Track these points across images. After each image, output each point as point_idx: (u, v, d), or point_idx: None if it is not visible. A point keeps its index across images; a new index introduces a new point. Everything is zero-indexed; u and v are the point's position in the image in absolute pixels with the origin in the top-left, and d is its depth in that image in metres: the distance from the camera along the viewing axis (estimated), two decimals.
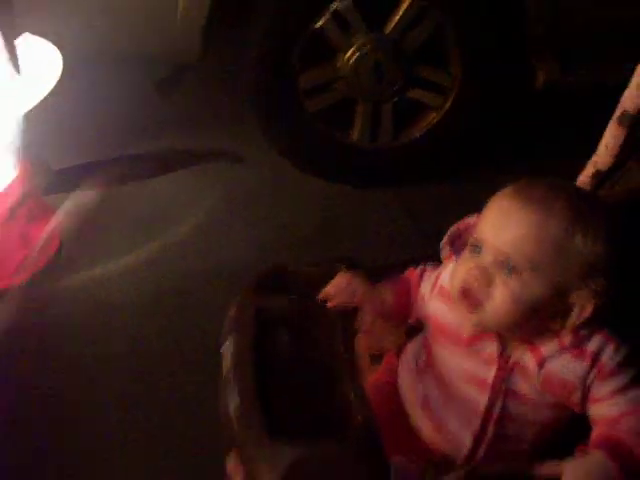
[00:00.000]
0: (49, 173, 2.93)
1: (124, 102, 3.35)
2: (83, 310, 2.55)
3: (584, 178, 1.49)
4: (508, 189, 1.24)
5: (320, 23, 2.75)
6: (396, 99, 2.90)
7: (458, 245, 1.33)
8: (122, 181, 3.02)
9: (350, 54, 2.81)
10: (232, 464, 1.32)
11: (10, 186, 1.84)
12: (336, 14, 2.74)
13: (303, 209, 2.97)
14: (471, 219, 1.33)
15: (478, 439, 1.29)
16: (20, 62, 1.24)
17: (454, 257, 1.33)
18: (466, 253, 1.25)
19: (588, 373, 1.21)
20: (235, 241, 2.80)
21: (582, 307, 1.19)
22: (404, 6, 2.74)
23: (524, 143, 3.12)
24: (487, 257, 1.20)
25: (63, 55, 2.46)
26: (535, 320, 1.20)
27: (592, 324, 1.22)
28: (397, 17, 2.76)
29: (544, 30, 2.82)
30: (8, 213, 1.84)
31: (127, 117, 3.32)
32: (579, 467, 1.12)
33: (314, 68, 2.85)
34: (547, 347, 1.23)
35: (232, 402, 1.19)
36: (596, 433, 1.18)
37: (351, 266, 1.42)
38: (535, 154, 2.98)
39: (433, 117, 2.95)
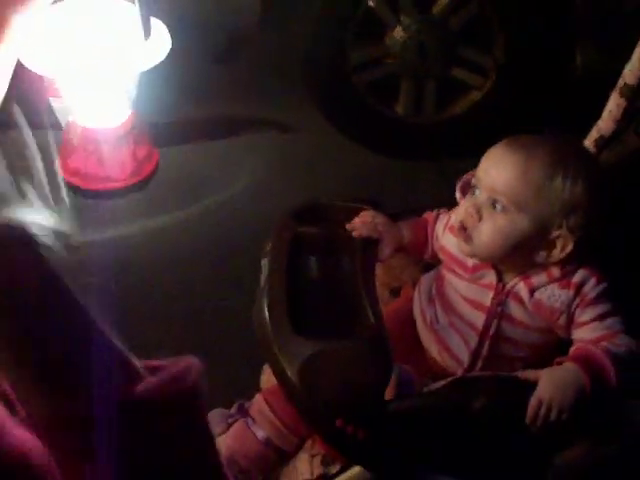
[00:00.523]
0: None
1: (182, 68, 3.55)
2: (140, 255, 2.78)
3: (589, 142, 1.65)
4: (502, 141, 1.42)
5: (371, 2, 2.92)
6: (440, 77, 3.04)
7: (467, 191, 1.52)
8: (176, 142, 3.23)
9: (398, 32, 2.97)
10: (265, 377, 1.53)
11: (126, 120, 2.49)
12: None
13: (349, 177, 3.14)
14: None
15: (475, 355, 1.47)
16: (149, 29, 1.53)
17: (463, 200, 1.51)
18: (468, 195, 1.43)
19: (572, 301, 1.39)
20: (282, 203, 2.98)
21: (564, 242, 1.36)
22: None
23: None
24: (481, 196, 1.39)
25: None
26: (521, 252, 1.39)
27: (577, 260, 1.40)
28: (443, 0, 2.91)
29: (589, 15, 2.94)
30: (124, 137, 2.50)
31: (183, 82, 3.52)
32: (554, 373, 1.31)
33: (365, 44, 3.01)
34: (537, 278, 1.42)
35: (265, 306, 1.39)
36: (573, 349, 1.36)
37: (375, 207, 1.61)
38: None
39: (475, 96, 3.09)
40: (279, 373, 1.32)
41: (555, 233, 1.36)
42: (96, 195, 2.56)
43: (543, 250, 1.38)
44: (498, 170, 1.38)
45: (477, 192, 1.40)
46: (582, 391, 1.29)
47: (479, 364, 1.48)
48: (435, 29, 2.97)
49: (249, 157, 3.22)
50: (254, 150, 3.26)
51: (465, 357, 1.48)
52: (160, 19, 2.02)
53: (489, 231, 1.37)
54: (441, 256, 1.53)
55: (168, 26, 3.12)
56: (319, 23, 2.94)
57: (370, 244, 1.53)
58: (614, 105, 1.61)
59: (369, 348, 1.31)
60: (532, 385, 1.30)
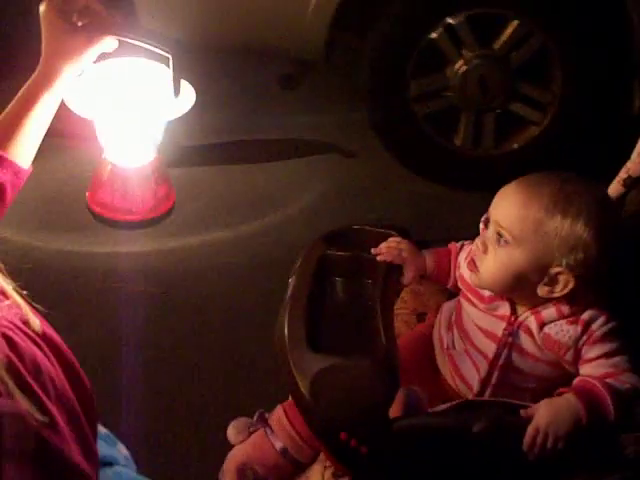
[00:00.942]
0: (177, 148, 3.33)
1: (248, 92, 3.70)
2: (196, 267, 2.91)
3: (617, 182, 1.69)
4: (520, 178, 1.47)
5: (434, 34, 2.99)
6: (499, 111, 3.10)
7: None
8: (242, 161, 3.37)
9: (459, 66, 3.04)
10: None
11: (150, 162, 2.74)
12: (449, 27, 2.97)
13: (403, 205, 3.22)
14: None
15: (484, 383, 1.53)
16: (179, 86, 1.71)
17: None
18: (483, 228, 1.50)
19: (580, 337, 1.44)
20: (336, 226, 3.08)
21: (565, 279, 1.41)
22: (512, 26, 2.95)
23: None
24: (489, 230, 1.45)
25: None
26: (523, 285, 1.44)
27: (586, 298, 1.45)
28: (505, 35, 2.97)
29: None
30: (147, 176, 2.76)
31: (250, 106, 3.67)
32: (552, 403, 1.36)
33: (425, 76, 3.09)
34: (547, 313, 1.47)
35: (285, 323, 1.47)
36: (575, 381, 1.41)
37: (403, 234, 1.68)
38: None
39: (533, 131, 3.14)
40: (292, 385, 1.39)
41: (555, 269, 1.41)
42: (117, 225, 2.86)
43: (545, 285, 1.42)
44: (503, 205, 1.44)
45: (489, 226, 1.45)
46: (578, 422, 1.33)
47: (488, 391, 1.53)
48: (496, 64, 3.02)
49: (309, 179, 3.33)
50: (314, 173, 3.37)
51: (475, 383, 1.53)
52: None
53: (490, 263, 1.44)
54: (460, 285, 1.58)
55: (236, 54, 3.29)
56: (381, 52, 3.02)
57: (393, 269, 1.60)
58: None
59: (377, 367, 1.38)
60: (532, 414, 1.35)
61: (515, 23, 2.95)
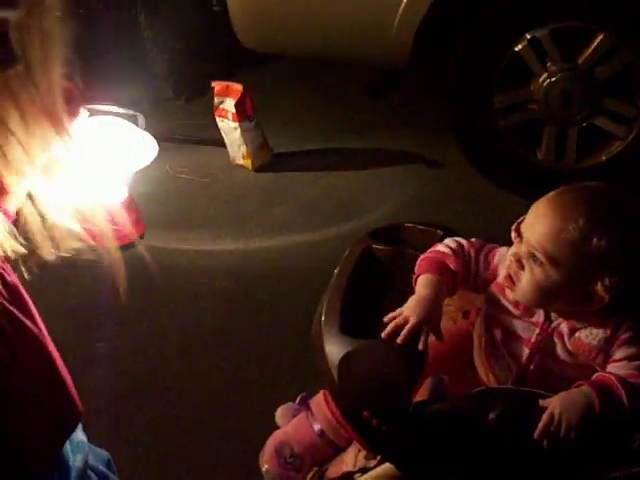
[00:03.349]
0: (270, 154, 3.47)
1: (338, 101, 3.82)
2: (274, 268, 3.03)
3: None
4: (549, 194, 1.49)
5: (519, 47, 3.04)
6: (583, 125, 3.11)
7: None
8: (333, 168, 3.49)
9: (543, 79, 3.07)
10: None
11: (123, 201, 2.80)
12: (534, 41, 3.01)
13: (483, 216, 3.26)
14: None
15: (516, 386, 1.57)
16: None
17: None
18: (517, 241, 1.52)
19: (609, 340, 1.47)
20: None
21: (600, 296, 1.44)
22: (597, 41, 2.96)
23: None
24: (523, 248, 1.47)
25: None
26: (559, 300, 1.48)
27: (615, 308, 1.49)
28: (589, 50, 2.98)
29: None
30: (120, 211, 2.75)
31: (338, 115, 3.79)
32: (567, 393, 1.40)
33: (509, 89, 3.13)
34: (578, 320, 1.51)
35: (323, 308, 1.57)
36: (595, 375, 1.45)
37: (447, 231, 1.75)
38: None
39: (617, 146, 3.13)
40: (323, 365, 1.49)
41: (591, 287, 1.43)
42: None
43: (581, 301, 1.46)
44: (537, 227, 1.45)
45: (520, 241, 1.49)
46: (591, 410, 1.37)
47: None
48: (580, 78, 3.03)
49: (393, 188, 3.42)
50: (399, 182, 3.46)
51: (508, 385, 1.58)
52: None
53: (527, 281, 1.47)
54: (494, 291, 1.62)
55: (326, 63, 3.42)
56: (466, 65, 3.08)
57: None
58: None
59: (403, 352, 1.45)
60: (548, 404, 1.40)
61: (600, 37, 2.95)
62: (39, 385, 1.02)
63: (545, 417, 1.37)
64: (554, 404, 1.38)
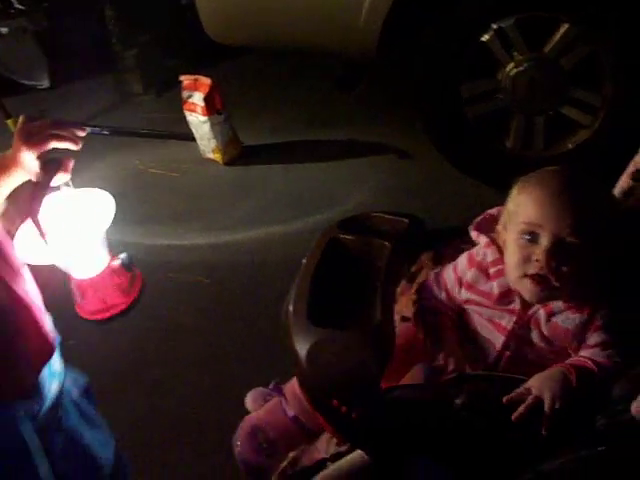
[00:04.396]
0: (240, 147, 3.46)
1: (308, 93, 3.83)
2: (245, 261, 3.04)
3: (626, 175, 1.75)
4: (540, 181, 1.51)
5: (485, 37, 3.05)
6: (549, 113, 3.13)
7: (485, 229, 1.64)
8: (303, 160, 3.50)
9: (510, 69, 3.09)
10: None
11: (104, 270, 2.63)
12: (500, 31, 3.02)
13: (454, 205, 3.28)
14: (493, 210, 1.65)
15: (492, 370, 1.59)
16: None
17: (481, 236, 1.63)
18: (519, 241, 1.50)
19: (584, 325, 1.50)
20: None
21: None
22: (562, 30, 2.98)
23: None
24: (548, 242, 1.46)
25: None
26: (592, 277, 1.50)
27: (592, 289, 1.51)
28: (555, 40, 3.00)
29: None
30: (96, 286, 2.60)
31: (308, 107, 3.79)
32: (543, 372, 1.42)
33: (477, 79, 3.15)
34: (556, 304, 1.52)
35: (290, 298, 1.58)
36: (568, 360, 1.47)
37: (416, 221, 1.76)
38: None
39: (584, 133, 3.16)
40: (292, 355, 1.50)
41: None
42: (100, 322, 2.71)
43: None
44: (566, 213, 1.45)
45: (537, 238, 1.48)
46: (569, 382, 1.39)
47: None
48: (546, 67, 3.05)
49: (364, 178, 3.43)
50: (370, 172, 3.47)
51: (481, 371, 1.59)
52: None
53: (573, 273, 1.47)
54: (466, 296, 1.64)
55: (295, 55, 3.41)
56: (433, 55, 3.09)
57: (399, 253, 1.68)
58: None
59: (369, 339, 1.46)
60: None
61: (565, 27, 2.97)
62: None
63: (520, 389, 1.38)
64: (531, 380, 1.40)
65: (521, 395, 1.38)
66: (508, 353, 1.57)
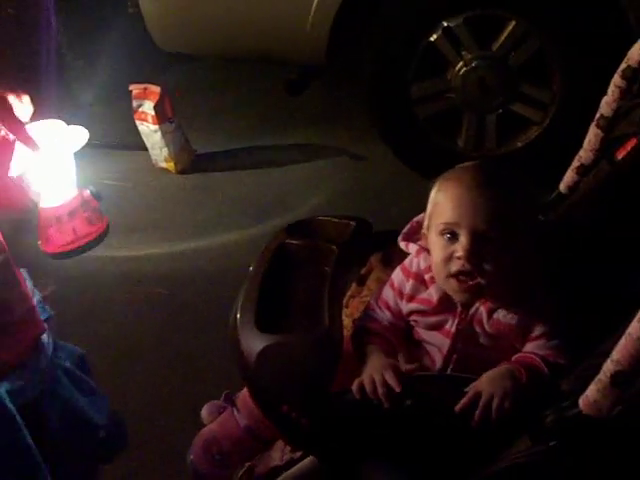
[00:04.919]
0: (192, 155, 3.46)
1: (259, 99, 3.82)
2: (202, 270, 3.01)
3: (571, 170, 1.75)
4: (455, 178, 1.50)
5: (434, 37, 3.06)
6: (500, 111, 3.14)
7: (414, 238, 1.62)
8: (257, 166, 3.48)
9: (459, 68, 3.10)
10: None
11: (70, 201, 2.64)
12: (448, 30, 3.03)
13: (411, 206, 3.26)
14: (419, 217, 1.63)
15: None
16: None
17: (410, 245, 1.62)
18: (440, 241, 1.49)
19: (526, 318, 1.49)
20: None
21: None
22: (510, 27, 3.00)
23: None
24: (467, 239, 1.45)
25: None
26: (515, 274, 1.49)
27: (530, 281, 1.51)
28: (503, 36, 3.02)
29: None
30: (68, 214, 2.65)
31: (260, 113, 3.78)
32: (491, 372, 1.42)
33: (426, 79, 3.15)
34: (495, 300, 1.52)
35: (238, 306, 1.56)
36: (514, 357, 1.47)
37: (364, 224, 1.76)
38: None
39: (535, 130, 3.18)
40: (240, 363, 1.48)
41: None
42: (60, 256, 2.67)
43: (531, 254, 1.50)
44: (483, 208, 1.44)
45: (456, 235, 1.47)
46: (518, 380, 1.38)
47: None
48: (495, 65, 3.07)
49: (318, 183, 3.42)
50: (324, 177, 3.47)
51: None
52: None
53: (491, 268, 1.46)
54: (409, 308, 1.61)
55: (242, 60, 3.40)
56: (381, 57, 3.09)
57: (346, 256, 1.67)
58: (592, 136, 1.70)
59: (317, 345, 1.45)
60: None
61: (512, 24, 2.98)
62: None
63: (470, 392, 1.37)
64: (479, 382, 1.39)
65: (472, 400, 1.37)
66: (456, 356, 1.55)
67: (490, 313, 1.51)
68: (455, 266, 1.46)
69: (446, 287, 1.51)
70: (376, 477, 1.46)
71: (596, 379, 1.18)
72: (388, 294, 1.62)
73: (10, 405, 1.32)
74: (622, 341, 1.13)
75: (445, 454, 1.41)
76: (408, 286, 1.59)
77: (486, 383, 1.39)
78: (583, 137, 1.72)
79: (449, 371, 1.55)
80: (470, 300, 1.51)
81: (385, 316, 1.62)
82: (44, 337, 1.44)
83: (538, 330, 1.49)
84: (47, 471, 1.41)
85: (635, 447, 1.29)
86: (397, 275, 1.62)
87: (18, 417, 1.33)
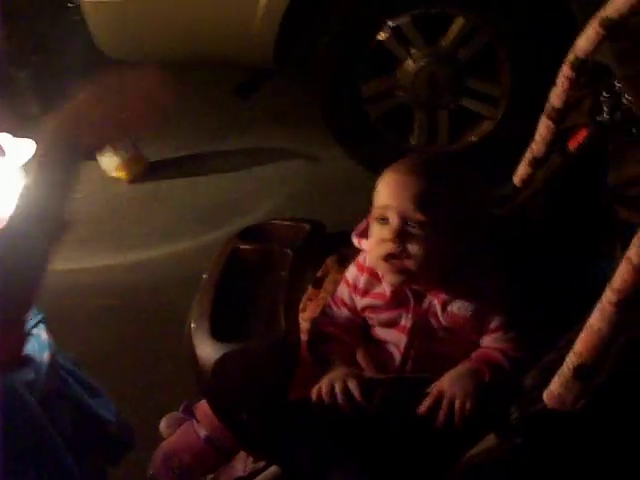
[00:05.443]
0: (144, 163, 3.41)
1: (210, 105, 3.78)
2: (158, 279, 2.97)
3: (524, 163, 1.74)
4: (393, 166, 1.53)
5: (382, 36, 3.05)
6: (451, 107, 3.14)
7: (367, 234, 1.59)
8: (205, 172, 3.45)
9: (408, 65, 3.09)
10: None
11: None
12: (396, 29, 3.02)
13: (366, 205, 3.25)
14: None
15: (400, 371, 1.55)
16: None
17: (362, 241, 1.60)
18: (374, 228, 1.51)
19: (480, 309, 1.48)
20: None
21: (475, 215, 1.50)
22: (458, 23, 3.00)
23: None
24: (395, 221, 1.46)
25: None
26: (445, 262, 1.49)
27: (483, 273, 1.50)
28: (451, 33, 3.02)
29: None
30: None
31: (211, 118, 3.74)
32: (452, 371, 1.40)
33: (376, 78, 3.14)
34: (447, 292, 1.50)
35: (193, 315, 1.53)
36: (474, 354, 1.45)
37: (317, 226, 1.73)
38: None
39: (487, 125, 3.18)
40: (197, 374, 1.45)
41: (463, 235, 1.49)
42: None
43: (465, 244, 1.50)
44: (407, 192, 1.46)
45: (387, 220, 1.47)
46: (481, 379, 1.38)
47: None
48: (444, 61, 3.07)
49: (274, 186, 3.40)
50: (279, 179, 3.44)
51: (391, 372, 1.55)
52: None
53: (418, 248, 1.46)
54: (363, 303, 1.59)
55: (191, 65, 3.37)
56: (329, 57, 3.08)
57: (301, 260, 1.64)
58: (543, 128, 1.69)
59: (274, 351, 1.42)
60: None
61: (460, 20, 2.98)
62: None
63: (434, 391, 1.36)
64: (442, 381, 1.38)
65: (435, 401, 1.36)
66: (413, 352, 1.53)
67: (444, 306, 1.50)
68: (384, 248, 1.47)
69: (379, 270, 1.52)
70: None
71: (559, 372, 1.17)
72: (343, 291, 1.60)
73: (29, 396, 1.33)
74: (583, 333, 1.12)
75: (409, 456, 1.39)
76: (362, 280, 1.57)
77: (448, 384, 1.38)
78: (535, 129, 1.70)
79: (408, 368, 1.53)
80: (401, 283, 1.50)
81: (342, 313, 1.60)
82: (44, 336, 1.48)
83: (494, 323, 1.48)
84: (73, 462, 1.42)
85: (601, 440, 1.28)
86: (351, 271, 1.60)
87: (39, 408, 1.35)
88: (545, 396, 1.23)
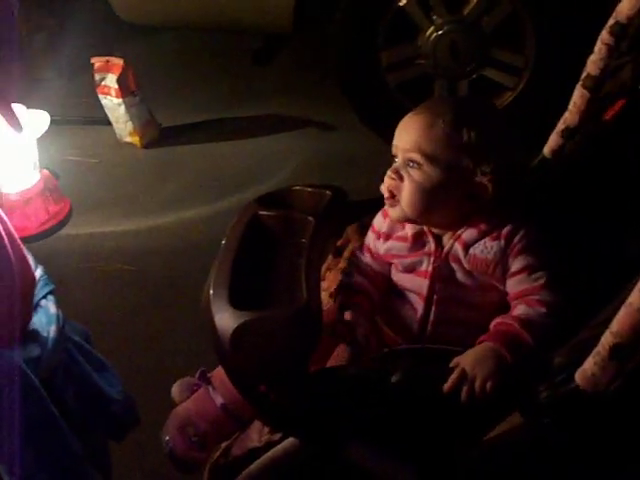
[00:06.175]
0: (158, 129, 3.36)
1: (225, 71, 3.72)
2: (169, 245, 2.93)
3: (556, 133, 1.69)
4: (416, 109, 1.53)
5: (403, 2, 2.98)
6: (473, 77, 3.08)
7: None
8: (223, 139, 3.39)
9: (430, 33, 3.02)
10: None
11: (34, 184, 2.90)
12: None
13: (382, 175, 3.21)
14: None
15: (423, 322, 1.53)
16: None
17: None
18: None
19: (504, 250, 1.46)
20: None
21: (485, 188, 1.45)
22: None
23: None
24: (399, 160, 1.49)
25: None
26: (446, 205, 1.47)
27: (504, 212, 1.48)
28: (474, 1, 2.94)
29: None
30: (35, 197, 2.93)
31: (226, 84, 3.68)
32: (473, 350, 1.36)
33: (396, 45, 3.07)
34: (469, 234, 1.49)
35: (210, 282, 1.48)
36: (492, 326, 1.41)
37: (338, 193, 1.68)
38: None
39: (508, 96, 3.12)
40: (215, 342, 1.40)
41: (473, 180, 1.45)
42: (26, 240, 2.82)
43: (467, 200, 1.46)
44: (407, 132, 1.48)
45: (395, 159, 1.49)
46: (503, 361, 1.33)
47: (429, 329, 1.52)
48: (467, 29, 3.00)
49: (287, 154, 3.34)
50: (293, 147, 3.38)
51: (414, 324, 1.53)
52: None
53: (409, 189, 1.46)
54: (386, 247, 1.59)
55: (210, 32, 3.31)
56: (349, 23, 3.01)
57: (322, 227, 1.60)
58: (578, 97, 1.64)
59: (295, 320, 1.38)
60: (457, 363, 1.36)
61: None
62: None
63: (455, 374, 1.33)
64: (463, 361, 1.34)
65: (458, 381, 1.33)
66: (436, 297, 1.52)
67: (466, 249, 1.48)
68: (384, 184, 1.51)
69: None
70: (363, 458, 1.40)
71: (594, 352, 1.12)
72: (369, 238, 1.62)
73: (32, 375, 1.29)
74: (622, 311, 1.07)
75: (432, 432, 1.36)
76: (385, 225, 1.58)
77: (469, 364, 1.34)
78: (560, 100, 1.65)
79: (432, 317, 1.52)
80: (402, 219, 1.52)
81: (367, 260, 1.61)
82: (52, 309, 1.43)
83: (518, 264, 1.45)
84: (77, 441, 1.39)
85: (632, 425, 1.24)
86: (377, 218, 1.62)
87: (41, 388, 1.32)
88: (577, 376, 1.18)
